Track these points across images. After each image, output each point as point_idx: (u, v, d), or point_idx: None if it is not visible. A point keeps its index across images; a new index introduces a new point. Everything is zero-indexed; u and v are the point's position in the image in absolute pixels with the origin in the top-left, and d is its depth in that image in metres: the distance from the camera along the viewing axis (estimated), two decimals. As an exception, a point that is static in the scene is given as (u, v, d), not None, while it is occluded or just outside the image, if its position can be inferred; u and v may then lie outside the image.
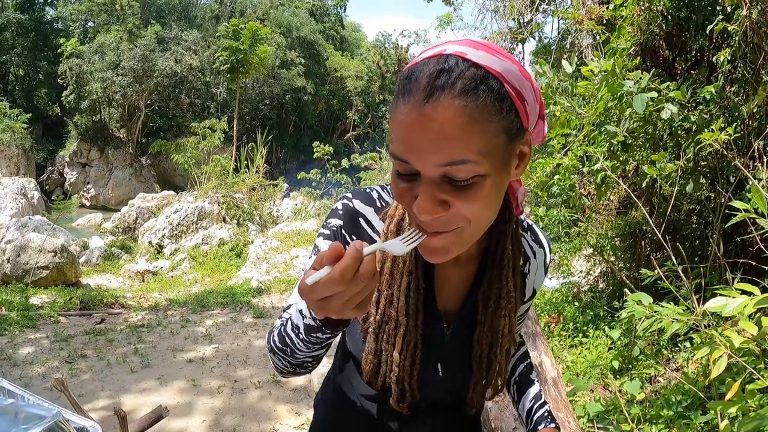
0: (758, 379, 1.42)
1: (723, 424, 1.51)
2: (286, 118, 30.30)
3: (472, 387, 0.89)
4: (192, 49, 24.81)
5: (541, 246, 0.93)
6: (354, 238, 0.85)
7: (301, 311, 0.77)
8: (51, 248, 8.54)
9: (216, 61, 20.73)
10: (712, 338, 1.36)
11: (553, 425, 0.98)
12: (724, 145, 2.44)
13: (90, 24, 26.60)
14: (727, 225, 1.50)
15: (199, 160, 16.27)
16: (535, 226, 0.94)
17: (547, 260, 0.95)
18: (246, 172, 14.57)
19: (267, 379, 4.07)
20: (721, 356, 1.28)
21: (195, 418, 3.42)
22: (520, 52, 12.20)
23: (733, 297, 1.37)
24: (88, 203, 24.65)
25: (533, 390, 1.04)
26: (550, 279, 5.97)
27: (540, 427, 0.98)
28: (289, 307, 0.87)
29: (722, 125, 2.41)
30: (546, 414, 1.00)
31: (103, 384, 3.92)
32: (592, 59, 3.28)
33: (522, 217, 0.89)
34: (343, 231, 0.86)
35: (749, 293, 1.38)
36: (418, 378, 0.85)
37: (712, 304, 1.37)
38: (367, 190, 0.88)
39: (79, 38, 24.94)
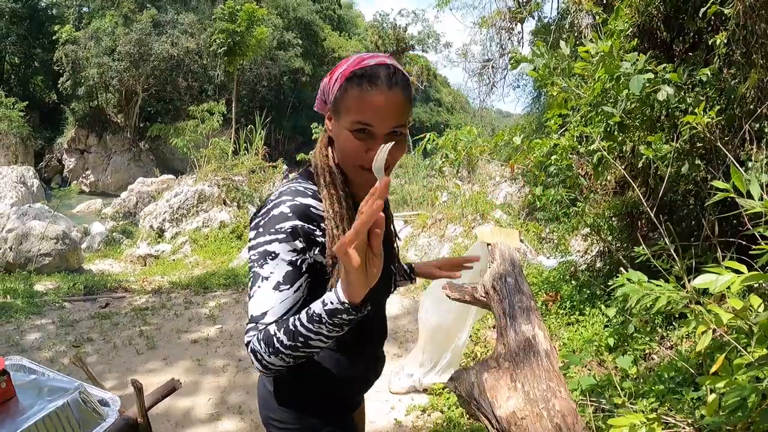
0: (743, 355, 1.48)
1: (711, 398, 1.57)
2: (284, 99, 30.15)
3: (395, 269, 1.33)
4: (188, 32, 24.58)
5: None
6: (312, 228, 1.02)
7: (321, 303, 0.90)
8: (53, 235, 8.60)
9: (213, 43, 20.55)
10: (700, 314, 1.42)
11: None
12: (708, 128, 2.48)
13: (85, 9, 26.31)
14: (706, 204, 1.56)
15: (198, 143, 16.23)
16: None
17: None
18: (245, 154, 14.55)
19: (271, 359, 4.15)
20: (706, 330, 1.34)
21: (201, 397, 3.51)
22: (519, 32, 12.13)
23: (721, 274, 1.42)
24: (87, 189, 24.69)
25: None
26: (548, 258, 6.04)
27: (413, 265, 1.58)
28: (264, 314, 0.98)
29: (705, 108, 2.45)
30: (407, 263, 1.58)
31: (110, 366, 4.00)
32: (591, 41, 3.29)
33: None
34: (301, 228, 1.01)
35: (738, 271, 1.43)
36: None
37: (701, 281, 1.42)
38: (295, 188, 1.06)
39: (74, 24, 24.69)
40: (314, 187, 1.09)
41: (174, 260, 10.15)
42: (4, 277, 7.52)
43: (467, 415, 3.02)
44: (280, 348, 0.92)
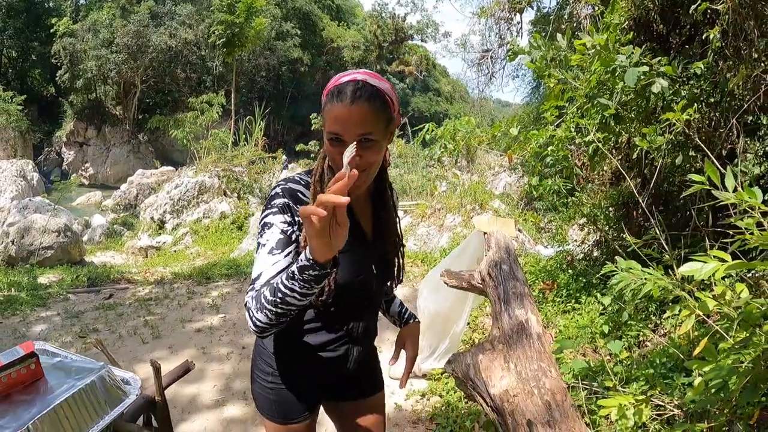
0: (726, 340, 1.55)
1: (697, 381, 1.63)
2: (282, 89, 30.12)
3: (394, 271, 1.43)
4: (186, 23, 24.50)
5: (393, 189, 1.46)
6: (297, 207, 1.22)
7: (296, 262, 1.05)
8: (54, 228, 8.64)
9: (211, 35, 20.51)
10: (685, 300, 1.49)
11: (417, 320, 1.62)
12: (688, 125, 2.54)
13: (82, 2, 26.22)
14: (682, 195, 1.63)
15: (198, 135, 16.26)
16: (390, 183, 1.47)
17: (398, 198, 1.51)
18: (245, 145, 14.60)
19: (273, 347, 4.24)
20: (689, 315, 1.41)
21: (206, 383, 3.60)
22: (518, 22, 12.11)
23: (707, 263, 1.49)
24: (86, 182, 24.72)
25: (397, 301, 1.65)
26: (546, 247, 6.12)
27: (411, 322, 1.60)
28: (259, 276, 1.17)
29: (685, 105, 2.51)
30: (411, 313, 1.64)
31: (116, 355, 4.07)
32: (587, 33, 3.33)
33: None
34: (289, 204, 1.22)
35: (723, 260, 1.50)
36: (350, 278, 1.27)
37: (686, 269, 1.49)
38: (293, 177, 1.29)
39: (71, 17, 24.63)
40: (309, 179, 1.28)
41: (175, 251, 10.23)
42: (7, 271, 7.58)
43: (465, 399, 3.11)
44: (265, 303, 1.09)
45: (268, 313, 1.09)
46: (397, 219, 1.43)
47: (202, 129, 16.88)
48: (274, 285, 1.07)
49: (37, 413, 1.24)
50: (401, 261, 1.44)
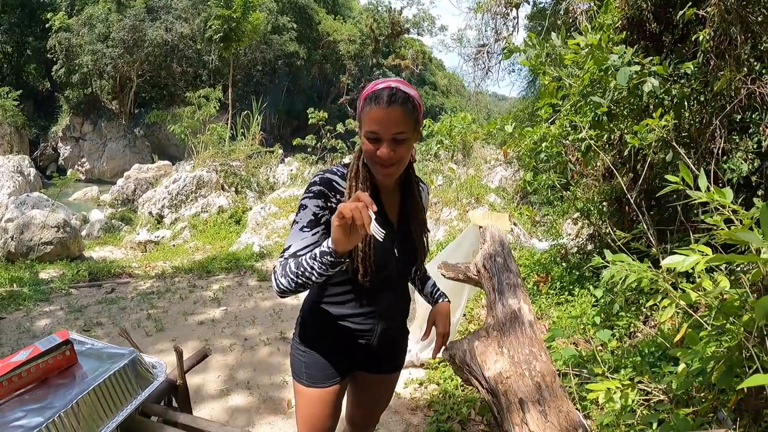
0: (706, 329, 1.66)
1: (680, 368, 1.74)
2: (279, 83, 30.05)
3: (419, 254, 1.58)
4: (182, 17, 24.42)
5: (425, 184, 1.68)
6: (331, 194, 1.42)
7: (320, 247, 1.26)
8: (54, 224, 8.67)
9: (208, 30, 20.47)
10: (666, 290, 1.59)
11: (447, 299, 1.76)
12: (666, 131, 2.65)
13: (77, -4, 26.03)
14: (657, 195, 1.74)
15: (196, 129, 16.27)
16: (420, 178, 1.66)
17: (428, 194, 1.72)
18: (242, 139, 14.64)
19: (275, 336, 4.34)
20: (669, 304, 1.51)
21: (211, 374, 3.70)
22: (514, 17, 12.15)
23: (689, 256, 1.59)
24: (83, 177, 24.65)
25: (430, 282, 1.82)
26: (541, 241, 6.23)
27: (440, 301, 1.74)
28: (288, 247, 1.39)
29: (662, 112, 2.61)
30: (442, 293, 1.79)
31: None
32: (580, 32, 3.42)
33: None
34: (324, 192, 1.41)
35: (705, 253, 1.60)
36: (376, 259, 1.43)
37: (669, 261, 1.59)
38: (331, 168, 1.48)
39: (66, 11, 24.48)
40: (345, 171, 1.47)
41: (174, 246, 10.28)
42: (8, 267, 7.64)
43: (461, 386, 3.22)
44: (288, 272, 1.32)
45: (290, 281, 1.31)
46: (423, 209, 1.62)
47: (199, 124, 16.89)
48: (300, 260, 1.29)
49: (78, 394, 1.36)
50: (426, 242, 1.62)
